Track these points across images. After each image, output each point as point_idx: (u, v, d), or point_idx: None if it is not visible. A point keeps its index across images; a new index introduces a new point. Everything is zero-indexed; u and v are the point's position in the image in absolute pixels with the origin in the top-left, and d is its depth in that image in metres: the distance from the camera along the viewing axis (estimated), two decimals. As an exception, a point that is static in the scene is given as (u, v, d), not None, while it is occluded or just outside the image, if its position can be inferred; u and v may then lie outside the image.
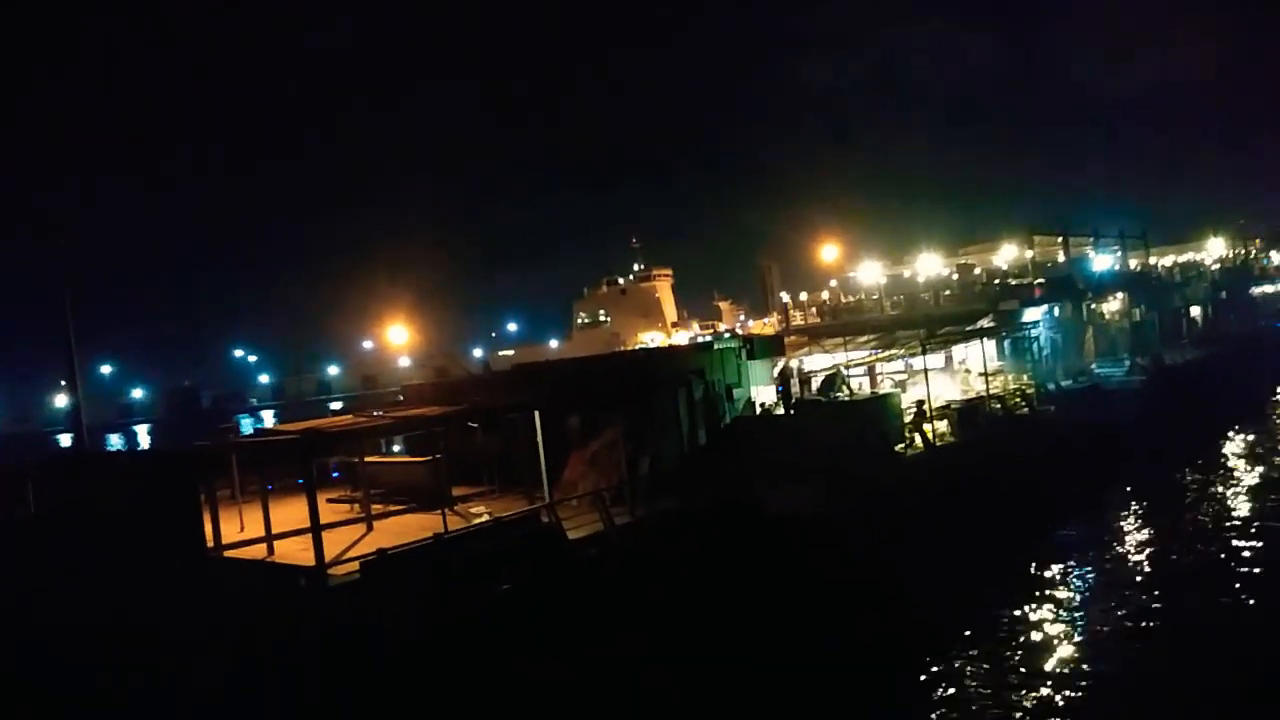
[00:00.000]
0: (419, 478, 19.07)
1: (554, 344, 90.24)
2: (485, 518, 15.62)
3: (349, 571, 12.75)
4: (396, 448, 24.50)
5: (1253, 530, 19.73)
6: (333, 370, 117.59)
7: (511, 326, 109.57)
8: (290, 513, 16.35)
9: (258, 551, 15.37)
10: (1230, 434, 30.87)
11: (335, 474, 22.63)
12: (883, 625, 14.15)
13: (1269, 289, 65.02)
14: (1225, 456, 28.21)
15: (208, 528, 15.03)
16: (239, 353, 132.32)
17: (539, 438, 16.76)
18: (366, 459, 20.05)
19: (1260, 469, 26.03)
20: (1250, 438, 30.66)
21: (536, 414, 16.80)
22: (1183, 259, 61.26)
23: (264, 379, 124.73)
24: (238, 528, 17.03)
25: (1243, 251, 67.70)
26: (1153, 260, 53.25)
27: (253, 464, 19.41)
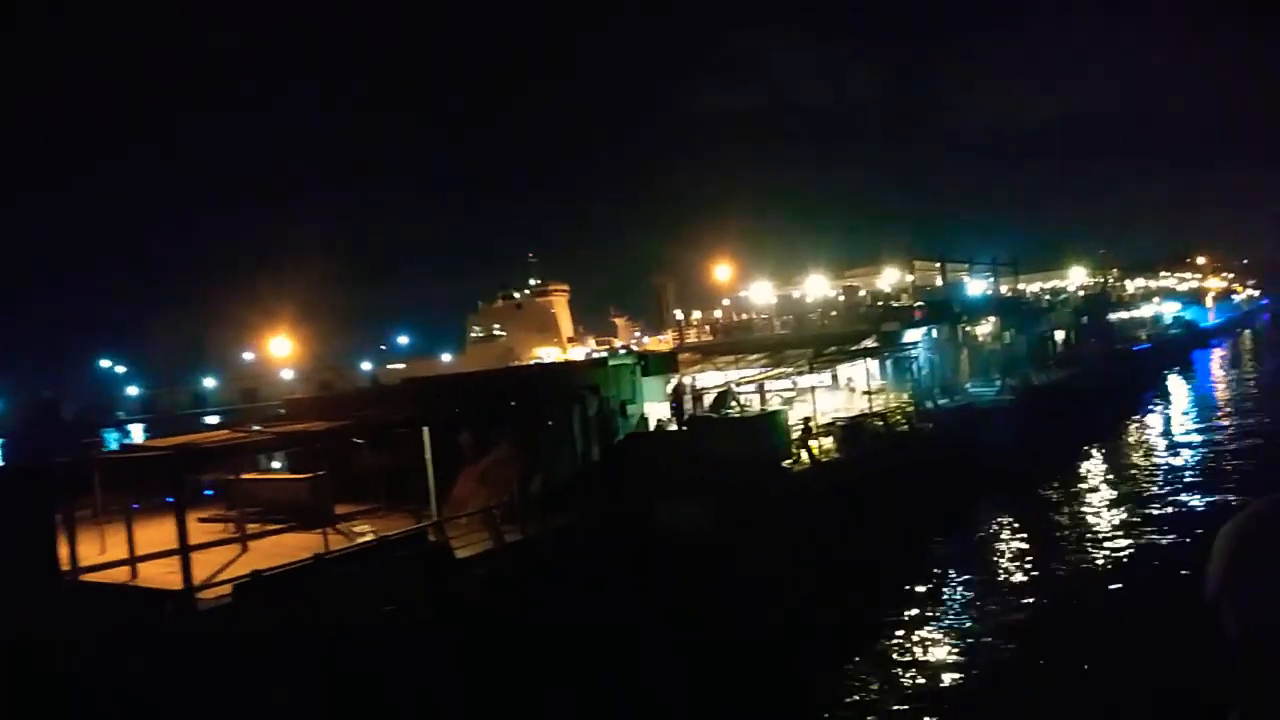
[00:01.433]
0: (299, 495, 18.33)
1: (447, 358, 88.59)
2: (369, 537, 15.14)
3: (221, 595, 12.10)
4: (277, 464, 23.50)
5: (1107, 538, 21.14)
6: (209, 383, 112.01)
7: (403, 340, 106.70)
8: (158, 534, 15.41)
9: (120, 575, 14.41)
10: (1090, 450, 32.94)
11: (209, 492, 21.52)
12: (771, 635, 14.41)
13: (1125, 315, 70.04)
14: (1086, 471, 30.09)
15: (64, 550, 14.00)
16: (106, 363, 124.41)
17: (428, 454, 16.37)
18: (243, 476, 19.15)
19: (1115, 482, 27.90)
20: (1107, 453, 32.83)
21: (426, 429, 16.42)
22: (1048, 285, 65.39)
23: (133, 391, 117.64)
24: (99, 549, 15.94)
25: (1102, 280, 72.79)
26: (1021, 286, 56.58)
27: (118, 481, 18.23)
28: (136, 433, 79.78)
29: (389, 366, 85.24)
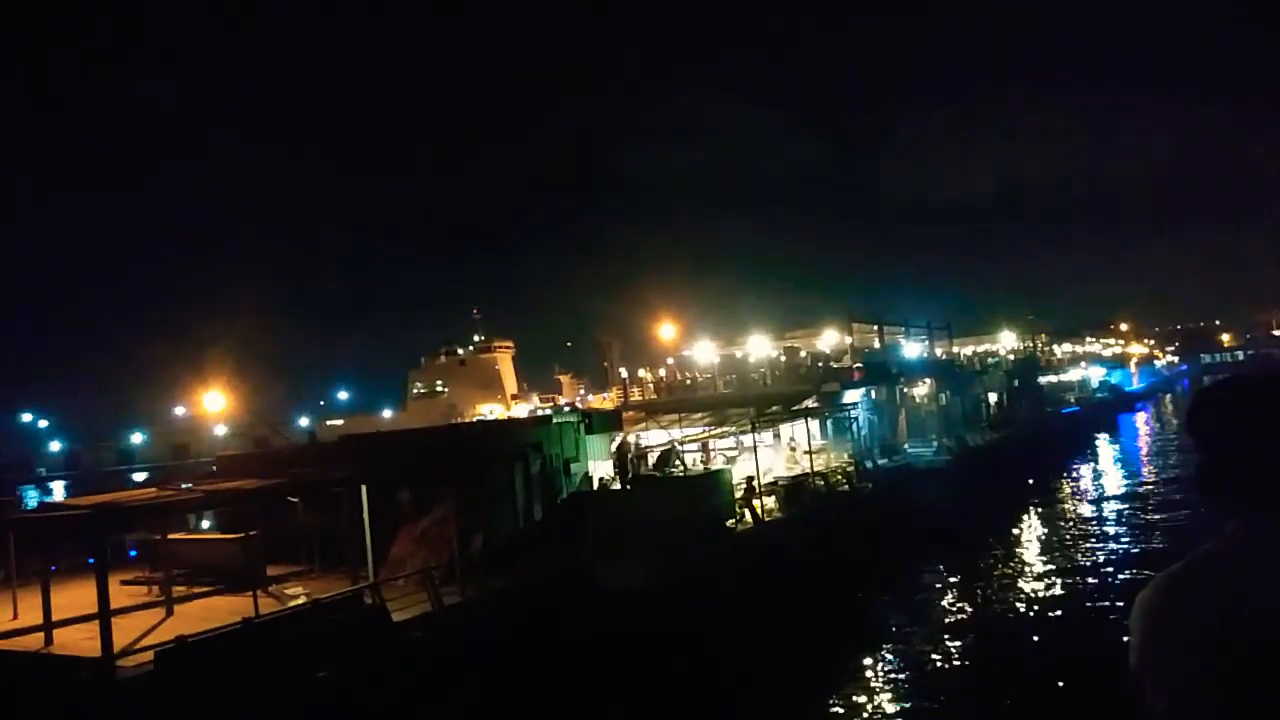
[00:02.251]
0: (229, 556, 17.70)
1: (388, 414, 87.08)
2: (302, 599, 14.65)
3: (142, 662, 11.55)
4: (206, 524, 22.70)
5: (1041, 597, 21.58)
6: (137, 438, 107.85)
7: (343, 395, 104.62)
8: (77, 598, 14.70)
9: (33, 641, 13.67)
10: (1025, 509, 33.70)
11: (133, 553, 20.65)
12: (714, 695, 14.27)
13: (1054, 378, 72.39)
14: (1020, 529, 30.73)
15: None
16: (27, 417, 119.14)
17: (365, 513, 16.02)
18: (170, 536, 18.44)
19: (1047, 540, 28.55)
20: (1040, 512, 33.62)
21: (364, 488, 16.09)
22: (981, 349, 67.37)
23: (55, 446, 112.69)
24: (10, 615, 15.12)
25: (1032, 344, 75.30)
26: (955, 349, 58.21)
27: (34, 542, 17.39)
28: (58, 490, 76.26)
29: (328, 423, 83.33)
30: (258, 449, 32.76)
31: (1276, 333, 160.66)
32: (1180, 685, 1.43)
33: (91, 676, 11.25)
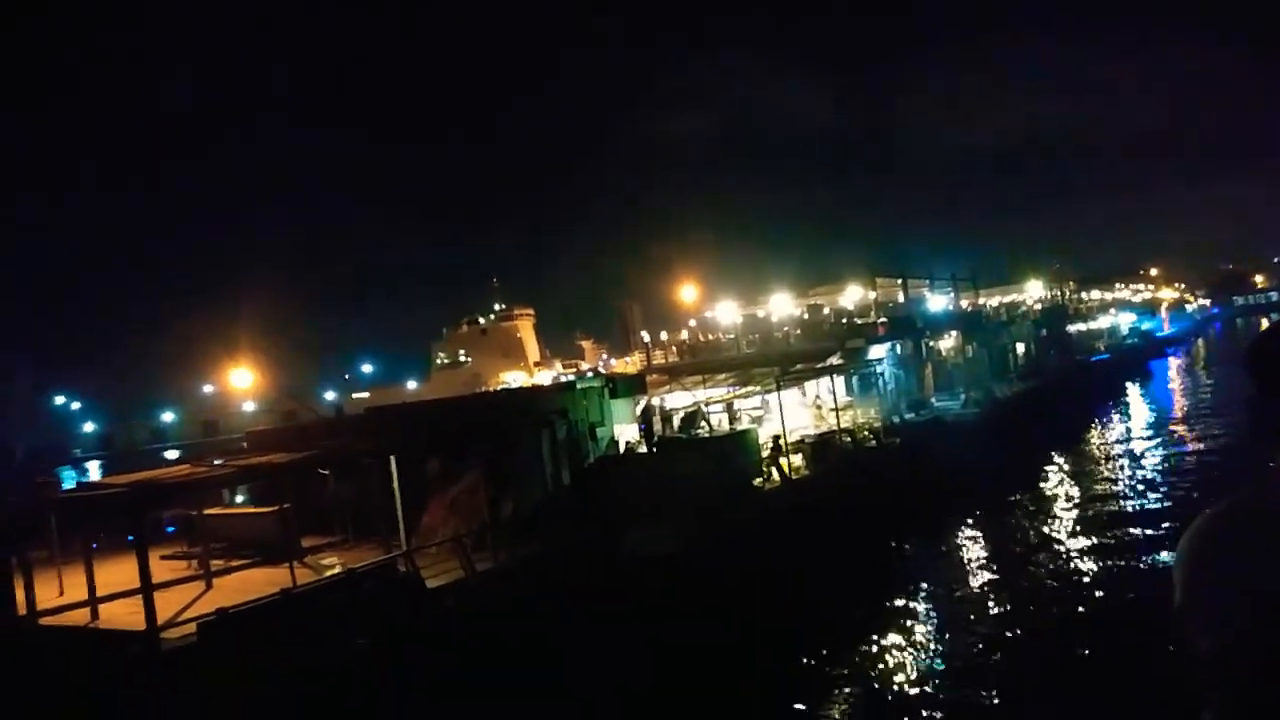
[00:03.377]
0: (264, 529, 17.99)
1: (412, 386, 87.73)
2: (337, 569, 14.87)
3: (185, 634, 11.80)
4: (240, 498, 23.06)
5: (1073, 546, 21.47)
6: (168, 417, 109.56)
7: (367, 368, 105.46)
8: (119, 574, 15.02)
9: (79, 617, 14.01)
10: (1054, 459, 33.44)
11: (171, 529, 21.03)
12: (747, 656, 14.39)
13: (1083, 326, 71.43)
14: (1050, 480, 30.51)
15: (21, 594, 13.59)
16: (60, 399, 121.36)
17: (395, 483, 16.17)
18: (206, 511, 18.76)
19: (1078, 490, 28.35)
20: (1070, 462, 33.34)
21: (392, 459, 16.23)
22: (1007, 299, 66.51)
23: (89, 427, 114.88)
24: (56, 592, 15.49)
25: (1059, 292, 74.25)
26: (981, 300, 57.51)
27: (75, 521, 17.77)
28: (94, 470, 77.90)
29: (353, 396, 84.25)
30: (286, 424, 33.15)
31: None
32: (1224, 626, 1.41)
33: (138, 649, 11.51)
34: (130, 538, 16.46)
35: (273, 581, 13.48)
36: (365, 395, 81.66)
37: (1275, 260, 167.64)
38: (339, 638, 11.90)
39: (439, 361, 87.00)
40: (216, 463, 19.11)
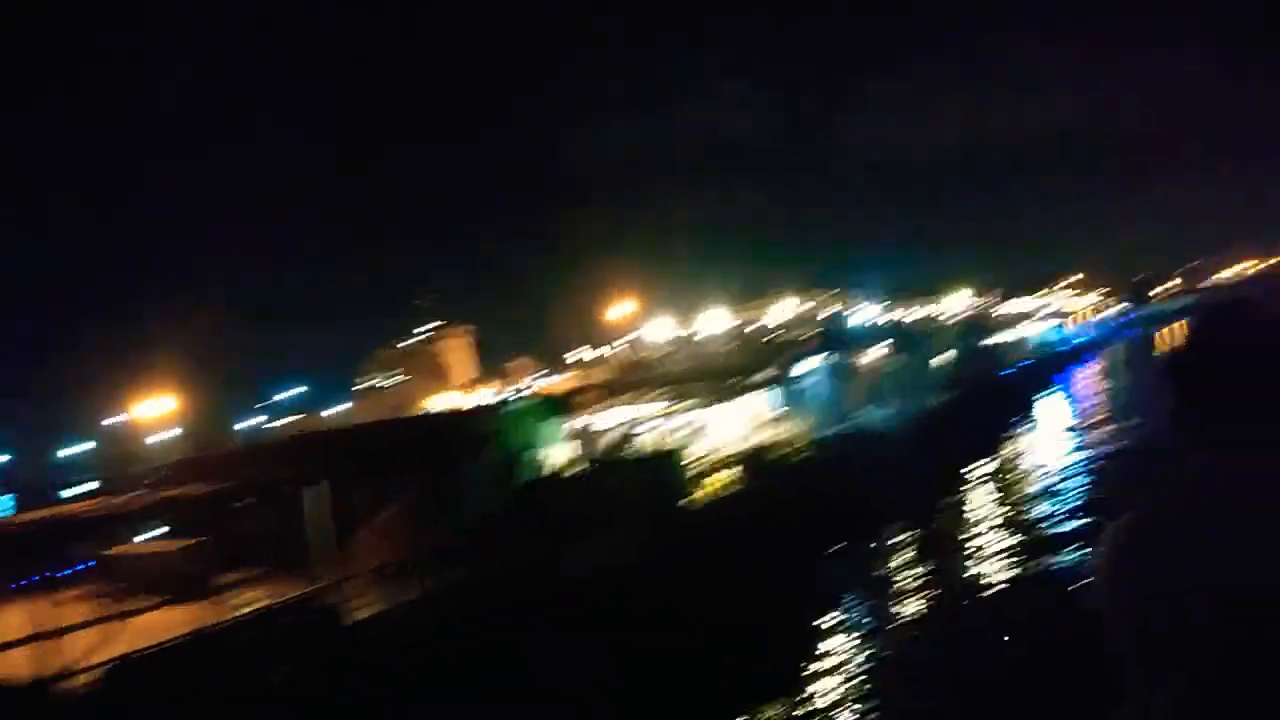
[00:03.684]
0: (180, 565, 17.25)
1: (338, 410, 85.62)
2: (257, 605, 14.32)
3: (90, 681, 11.17)
4: (156, 533, 22.11)
5: (994, 549, 22.11)
6: (79, 449, 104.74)
7: (291, 393, 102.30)
8: (20, 618, 14.18)
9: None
10: (978, 466, 34.35)
11: (79, 568, 20.02)
12: (678, 670, 14.31)
13: (1004, 336, 73.77)
14: (974, 487, 31.35)
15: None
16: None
17: (319, 511, 15.69)
18: (118, 548, 17.92)
19: (998, 494, 29.29)
20: (993, 468, 34.32)
21: (318, 486, 15.75)
22: (932, 311, 68.34)
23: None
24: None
25: (981, 303, 76.61)
26: (907, 312, 58.99)
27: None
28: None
29: (277, 422, 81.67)
30: (204, 453, 32.02)
31: (1216, 276, 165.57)
32: (1143, 630, 1.42)
33: (32, 698, 10.84)
34: (33, 579, 15.63)
35: (188, 621, 12.90)
36: (289, 421, 79.24)
37: (1189, 265, 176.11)
38: (256, 676, 11.41)
39: (367, 385, 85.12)
40: (129, 497, 18.32)
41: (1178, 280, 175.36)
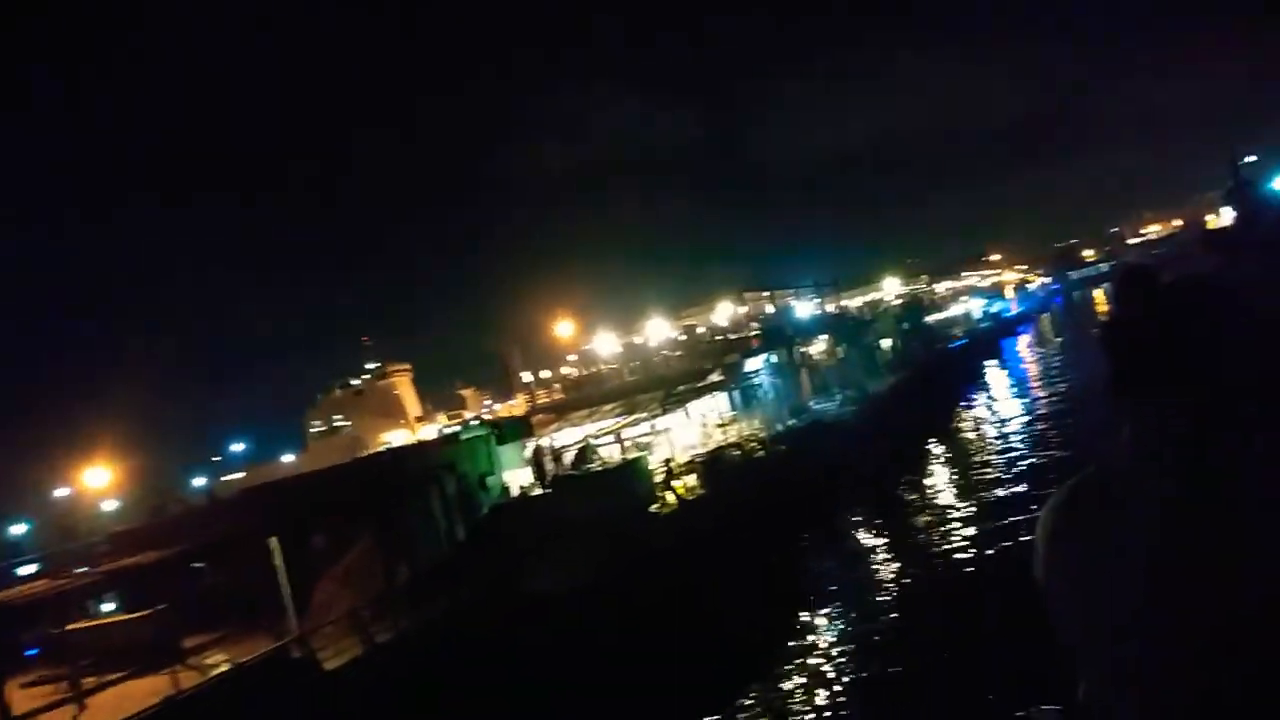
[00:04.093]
0: (140, 635, 16.69)
1: (289, 459, 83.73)
2: (225, 666, 13.97)
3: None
4: (109, 606, 21.37)
5: (955, 524, 22.56)
6: (18, 529, 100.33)
7: (238, 447, 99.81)
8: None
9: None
10: (931, 443, 35.07)
11: (32, 651, 19.24)
12: (661, 683, 14.32)
13: (940, 316, 75.49)
14: (929, 464, 31.97)
15: None
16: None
17: (279, 565, 15.37)
18: (71, 626, 17.28)
19: (951, 471, 29.88)
20: (946, 444, 35.09)
21: (274, 540, 15.44)
22: (869, 299, 69.65)
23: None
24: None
25: (914, 287, 78.33)
26: (845, 303, 59.98)
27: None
28: (-63, 600, 70.27)
29: (226, 478, 79.52)
30: (154, 518, 31.08)
31: (1130, 241, 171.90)
32: (1077, 590, 1.43)
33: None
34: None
35: (155, 691, 12.51)
36: (239, 475, 77.19)
37: (1108, 232, 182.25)
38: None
39: (315, 430, 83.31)
40: (79, 571, 17.70)
41: (1094, 250, 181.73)
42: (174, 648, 15.34)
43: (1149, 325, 1.55)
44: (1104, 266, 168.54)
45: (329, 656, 13.61)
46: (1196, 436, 1.41)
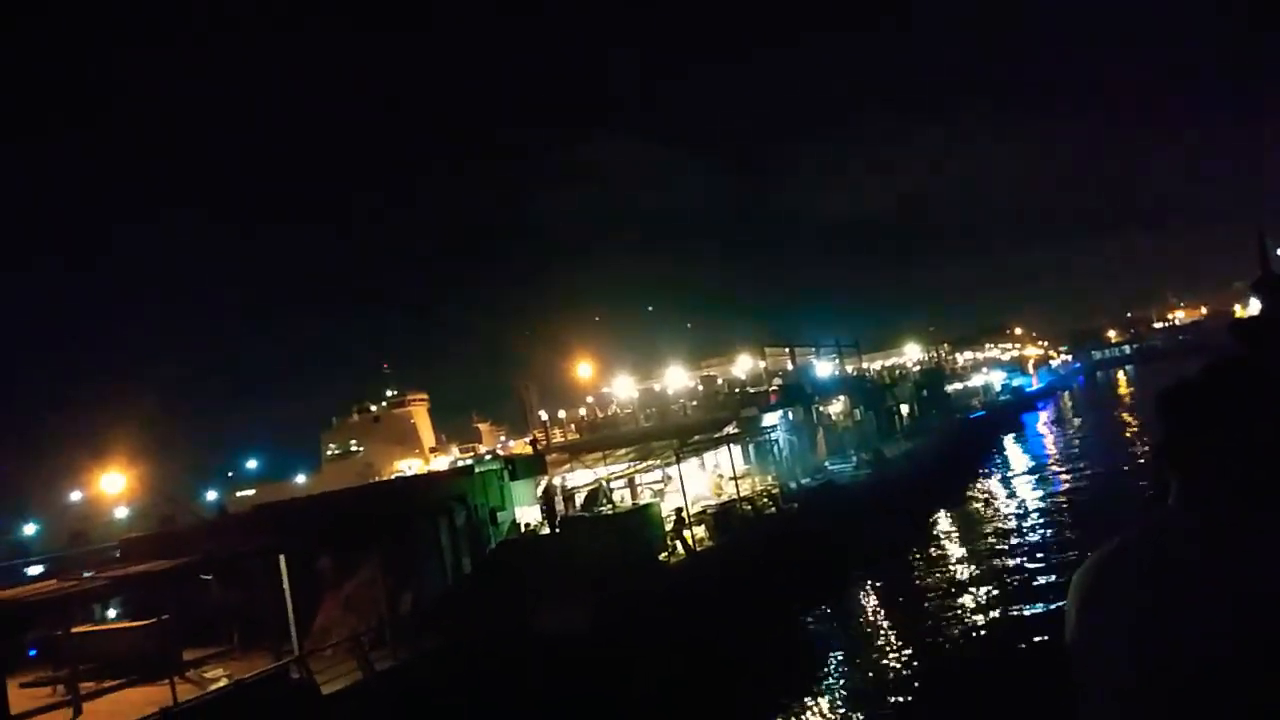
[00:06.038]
0: (140, 644, 16.69)
1: (302, 479, 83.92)
2: (223, 682, 13.93)
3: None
4: (113, 613, 21.41)
5: (969, 597, 22.22)
6: (30, 529, 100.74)
7: (252, 464, 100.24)
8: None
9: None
10: (944, 513, 34.68)
11: (33, 652, 19.26)
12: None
13: (959, 385, 75.12)
14: (942, 533, 31.60)
15: None
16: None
17: (285, 584, 15.38)
18: (75, 629, 17.31)
19: (969, 542, 29.44)
20: (959, 515, 34.67)
21: (281, 558, 15.47)
22: (889, 363, 69.49)
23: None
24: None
25: (936, 354, 78.13)
26: (865, 365, 59.87)
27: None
28: (-59, 593, 70.34)
29: (238, 494, 79.80)
30: (164, 528, 31.21)
31: (1156, 325, 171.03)
32: (1108, 666, 1.44)
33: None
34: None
35: (151, 700, 12.49)
36: (251, 492, 77.42)
37: (1127, 315, 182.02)
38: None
39: (330, 452, 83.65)
40: (86, 575, 17.77)
41: (1117, 331, 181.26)
42: (174, 659, 15.31)
43: (1208, 398, 1.57)
44: (1128, 348, 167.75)
45: (328, 680, 13.55)
46: (1241, 508, 1.45)
